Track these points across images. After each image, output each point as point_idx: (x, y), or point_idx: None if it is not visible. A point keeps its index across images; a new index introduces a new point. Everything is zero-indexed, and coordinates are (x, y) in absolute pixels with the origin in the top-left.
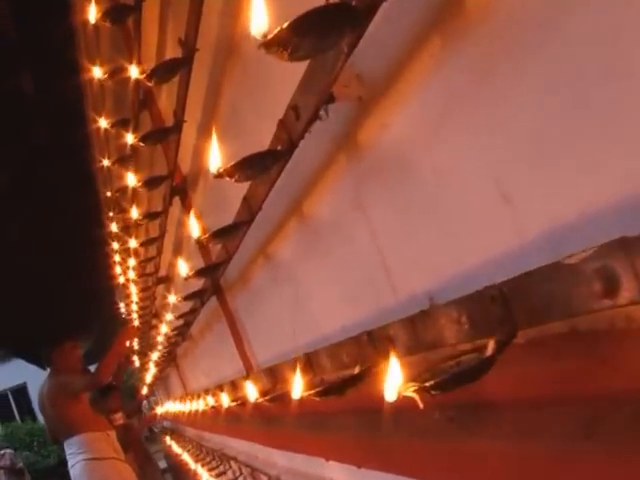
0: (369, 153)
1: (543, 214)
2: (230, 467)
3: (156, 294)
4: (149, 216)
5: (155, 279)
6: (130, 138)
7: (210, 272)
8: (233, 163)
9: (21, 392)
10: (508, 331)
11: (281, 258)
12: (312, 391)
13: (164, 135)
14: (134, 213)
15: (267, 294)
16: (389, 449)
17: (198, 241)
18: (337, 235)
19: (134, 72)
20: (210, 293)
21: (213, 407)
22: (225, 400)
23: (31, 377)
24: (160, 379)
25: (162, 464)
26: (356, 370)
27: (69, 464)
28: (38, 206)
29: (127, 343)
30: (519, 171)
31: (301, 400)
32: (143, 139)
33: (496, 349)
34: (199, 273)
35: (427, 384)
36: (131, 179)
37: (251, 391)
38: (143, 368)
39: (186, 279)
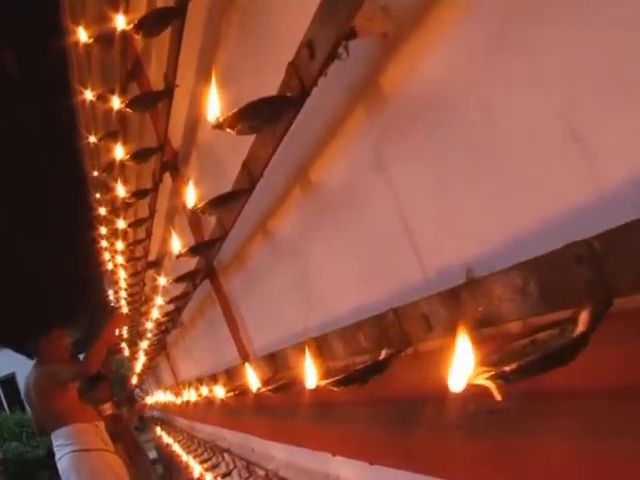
0: (394, 101)
1: (629, 155)
2: (223, 459)
3: (145, 280)
4: (138, 194)
5: (144, 263)
6: (117, 103)
7: (204, 249)
8: (235, 111)
9: (10, 382)
10: (601, 300)
11: (284, 233)
12: (329, 379)
13: (154, 100)
14: (121, 191)
15: (267, 274)
16: (411, 445)
17: (193, 211)
18: (351, 203)
19: (120, 23)
20: (203, 275)
21: (206, 397)
22: (219, 389)
23: (20, 367)
24: (150, 368)
25: (152, 454)
26: (382, 354)
27: (56, 456)
28: (21, 190)
29: (116, 331)
30: (594, 102)
31: (307, 389)
32: (131, 104)
33: (590, 323)
34: (193, 250)
35: (506, 369)
36: (119, 152)
37: (252, 379)
38: (133, 357)
39: (178, 257)
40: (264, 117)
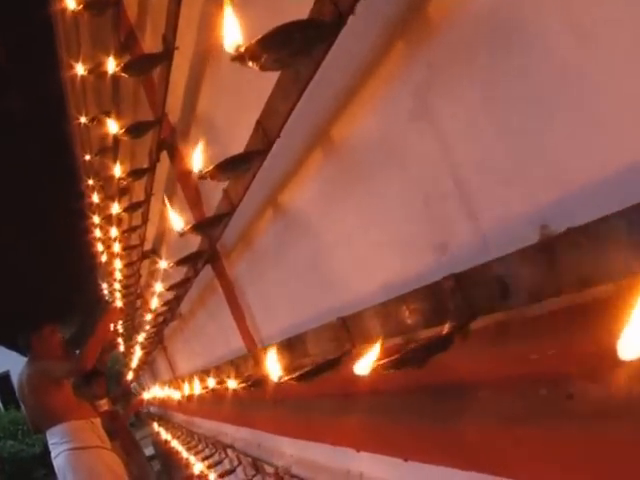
0: (444, 32)
1: None
2: (227, 456)
3: (141, 270)
4: (133, 174)
5: (140, 253)
6: (111, 66)
7: (209, 227)
8: (260, 37)
9: (4, 380)
10: None
11: (299, 206)
12: (377, 362)
13: (151, 63)
14: (117, 170)
15: (277, 255)
16: (461, 438)
17: (201, 176)
18: (385, 162)
19: None
20: (206, 259)
21: (207, 390)
22: (230, 381)
23: (14, 365)
24: (146, 363)
25: (149, 451)
26: (445, 329)
27: (52, 454)
28: (8, 179)
29: (111, 325)
30: None
31: (330, 377)
32: (126, 68)
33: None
34: (196, 228)
35: None
36: (112, 127)
37: (273, 368)
38: (128, 352)
39: (181, 235)
40: (294, 47)
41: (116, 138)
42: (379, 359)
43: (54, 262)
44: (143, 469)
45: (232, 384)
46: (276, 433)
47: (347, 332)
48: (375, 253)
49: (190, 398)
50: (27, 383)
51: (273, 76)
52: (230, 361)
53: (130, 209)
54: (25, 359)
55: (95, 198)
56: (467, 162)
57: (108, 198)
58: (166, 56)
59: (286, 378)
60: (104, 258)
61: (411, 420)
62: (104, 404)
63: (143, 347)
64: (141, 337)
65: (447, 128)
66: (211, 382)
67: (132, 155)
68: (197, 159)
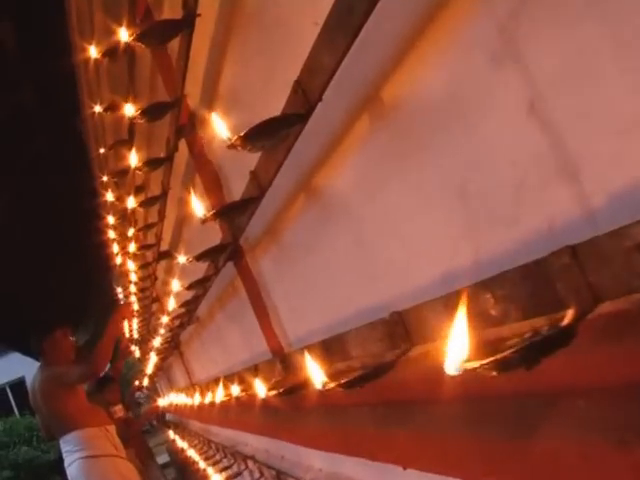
0: None
1: None
2: (247, 467)
3: (157, 274)
4: (150, 164)
5: (156, 253)
6: (124, 36)
7: (235, 213)
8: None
9: (19, 386)
10: None
11: (337, 187)
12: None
13: (171, 31)
14: (132, 160)
15: (308, 247)
16: (539, 458)
17: (230, 145)
18: (446, 122)
19: None
20: (228, 255)
21: (228, 398)
22: (258, 388)
23: (29, 370)
24: (162, 369)
25: (164, 458)
26: (565, 318)
27: (65, 463)
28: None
29: (121, 324)
30: None
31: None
32: (142, 37)
33: None
34: (221, 214)
35: None
36: (128, 109)
37: (315, 372)
38: (143, 358)
39: (204, 222)
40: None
41: (131, 124)
42: (475, 358)
43: (66, 265)
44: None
45: (261, 390)
46: (305, 445)
47: (404, 329)
48: (434, 236)
49: (207, 405)
50: (39, 389)
51: (315, 29)
52: (254, 366)
53: (146, 204)
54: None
55: (109, 196)
56: (567, 114)
57: (123, 192)
58: (187, 23)
59: (331, 385)
60: (119, 260)
61: (480, 434)
62: (119, 411)
63: (158, 352)
64: (157, 342)
65: (540, 72)
66: (235, 389)
67: (148, 145)
68: (224, 127)
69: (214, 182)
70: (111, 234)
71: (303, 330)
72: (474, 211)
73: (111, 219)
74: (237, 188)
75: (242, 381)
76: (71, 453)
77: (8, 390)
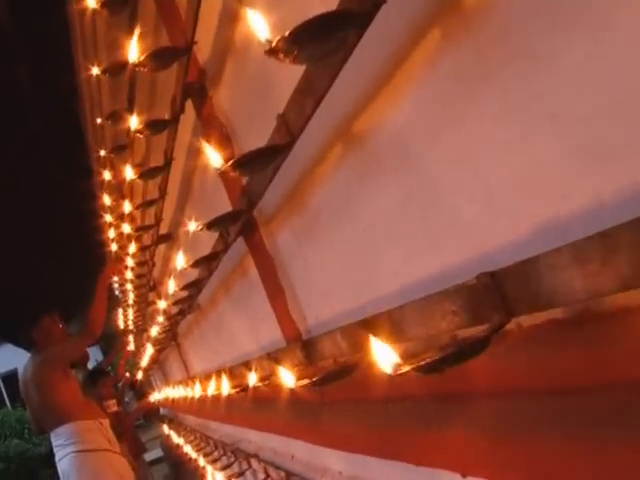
0: None
1: None
2: (250, 467)
3: (155, 259)
4: (152, 127)
5: (155, 235)
6: None
7: (259, 163)
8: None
9: (11, 378)
10: None
11: (388, 129)
12: None
13: None
14: (133, 122)
15: (341, 213)
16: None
17: (271, 51)
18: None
19: None
20: (240, 228)
21: (236, 390)
22: (284, 376)
23: (22, 362)
24: (157, 362)
25: (157, 452)
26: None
27: (56, 457)
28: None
29: (111, 280)
30: None
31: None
32: None
33: None
34: (241, 164)
35: None
36: (131, 53)
37: (383, 355)
38: (138, 350)
39: (221, 173)
40: None
41: (132, 77)
42: None
43: (55, 250)
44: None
45: (288, 380)
46: (327, 445)
47: (500, 295)
48: (527, 178)
49: (206, 399)
50: (33, 377)
51: None
52: (267, 355)
53: (146, 176)
54: None
55: (106, 175)
56: None
57: (120, 164)
58: None
59: (406, 368)
60: (114, 247)
61: (562, 435)
62: (112, 405)
63: (155, 344)
64: (154, 331)
65: None
66: (252, 378)
67: (149, 108)
68: (264, 25)
69: (226, 151)
70: (107, 218)
71: (328, 312)
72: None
73: (107, 200)
74: None
75: (249, 372)
76: (63, 447)
77: (0, 382)
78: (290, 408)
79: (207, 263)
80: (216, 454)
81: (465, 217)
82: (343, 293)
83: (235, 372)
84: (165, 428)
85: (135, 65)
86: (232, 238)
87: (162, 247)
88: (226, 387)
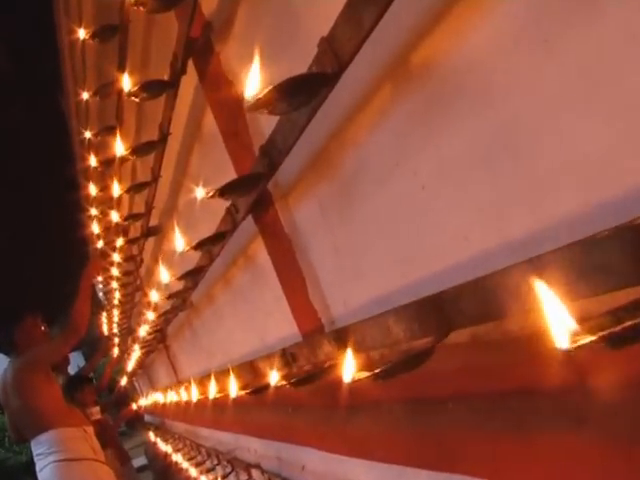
0: None
1: None
2: (250, 477)
3: (143, 253)
4: (147, 89)
5: (145, 226)
6: None
7: (300, 93)
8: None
9: None
10: None
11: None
12: None
13: None
14: (125, 82)
15: (388, 174)
16: None
17: None
18: None
19: None
20: (251, 205)
21: (246, 392)
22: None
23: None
24: (143, 367)
25: (141, 460)
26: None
27: (37, 467)
28: None
29: (95, 276)
30: None
31: None
32: None
33: None
34: (280, 93)
35: None
36: None
37: None
38: (123, 355)
39: (250, 109)
40: None
41: (125, 17)
42: None
43: (35, 246)
44: None
45: (350, 375)
46: (346, 453)
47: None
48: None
49: (197, 404)
50: (12, 381)
51: None
52: (282, 350)
53: (138, 152)
54: None
55: (92, 161)
56: None
57: (106, 143)
58: None
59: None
60: (99, 243)
61: None
62: (95, 412)
63: (142, 346)
64: (143, 330)
65: None
66: (274, 377)
67: (143, 67)
68: None
69: (234, 119)
70: (93, 211)
71: (361, 298)
72: None
73: (93, 189)
74: (267, 125)
75: (251, 373)
76: (44, 456)
77: None
78: (302, 411)
79: (211, 245)
80: (209, 463)
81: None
82: (385, 272)
83: (228, 374)
84: (151, 435)
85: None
86: (242, 215)
87: (151, 243)
88: (233, 389)
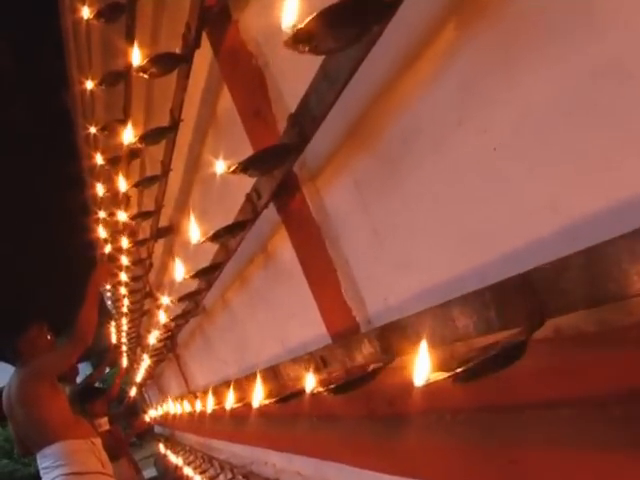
0: None
1: None
2: None
3: (153, 257)
4: (159, 62)
5: (155, 226)
6: None
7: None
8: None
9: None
10: None
11: None
12: None
13: None
14: (134, 55)
15: (456, 130)
16: None
17: None
18: None
19: None
20: (273, 190)
21: (276, 399)
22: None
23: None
24: (152, 377)
25: (151, 472)
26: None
27: None
28: None
29: (102, 285)
30: None
31: None
32: None
33: None
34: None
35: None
36: None
37: None
38: (131, 365)
39: (295, 36)
40: None
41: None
42: None
43: (40, 251)
44: None
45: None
46: (383, 469)
47: None
48: None
49: (210, 415)
50: (16, 392)
51: None
52: (309, 354)
53: (148, 139)
54: None
55: (98, 159)
56: None
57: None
58: None
59: None
60: (107, 248)
61: None
62: (104, 423)
63: (151, 355)
64: (152, 338)
65: None
66: (309, 382)
67: (153, 44)
68: None
69: (255, 96)
70: (101, 214)
71: (406, 291)
72: None
73: (100, 189)
74: (293, 101)
75: (274, 380)
76: (51, 470)
77: None
78: (331, 421)
79: (229, 236)
80: (222, 478)
81: None
82: (440, 257)
83: (243, 384)
84: (161, 447)
85: None
86: (265, 201)
87: (160, 246)
88: (258, 397)
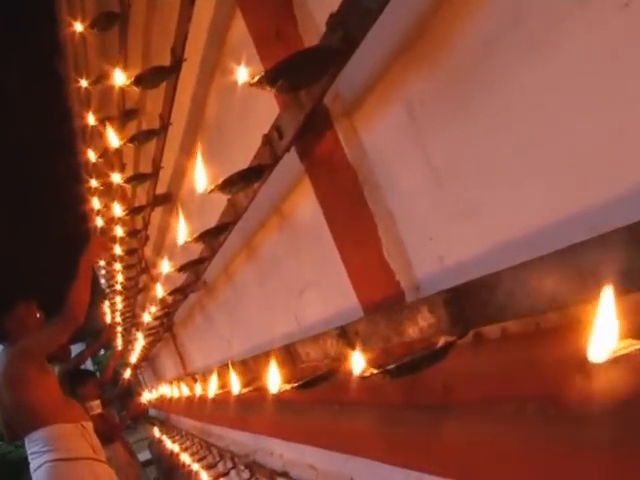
0: None
1: None
2: None
3: (149, 228)
4: None
5: (151, 192)
6: None
7: None
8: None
9: None
10: None
11: None
12: None
13: None
14: None
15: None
16: None
17: None
18: None
19: None
20: (296, 131)
21: (292, 386)
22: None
23: None
24: (147, 359)
25: (145, 455)
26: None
27: (31, 467)
28: None
29: (96, 260)
30: None
31: None
32: None
33: None
34: None
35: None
36: None
37: None
38: (125, 346)
39: None
40: None
41: None
42: None
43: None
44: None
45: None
46: (410, 465)
47: None
48: None
49: (207, 399)
50: (4, 372)
51: None
52: (340, 328)
53: (146, 83)
54: None
55: (90, 119)
56: None
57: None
58: None
59: None
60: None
61: None
62: (96, 406)
63: (148, 334)
64: (147, 315)
65: None
66: (357, 364)
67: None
68: None
69: (275, 15)
70: (93, 182)
71: (469, 247)
72: None
73: (91, 155)
74: (322, 19)
75: (289, 361)
76: (39, 455)
77: None
78: (355, 410)
79: (242, 184)
80: (222, 466)
81: None
82: (531, 197)
83: (247, 366)
84: (155, 431)
85: None
86: (289, 139)
87: (158, 217)
88: (274, 382)
